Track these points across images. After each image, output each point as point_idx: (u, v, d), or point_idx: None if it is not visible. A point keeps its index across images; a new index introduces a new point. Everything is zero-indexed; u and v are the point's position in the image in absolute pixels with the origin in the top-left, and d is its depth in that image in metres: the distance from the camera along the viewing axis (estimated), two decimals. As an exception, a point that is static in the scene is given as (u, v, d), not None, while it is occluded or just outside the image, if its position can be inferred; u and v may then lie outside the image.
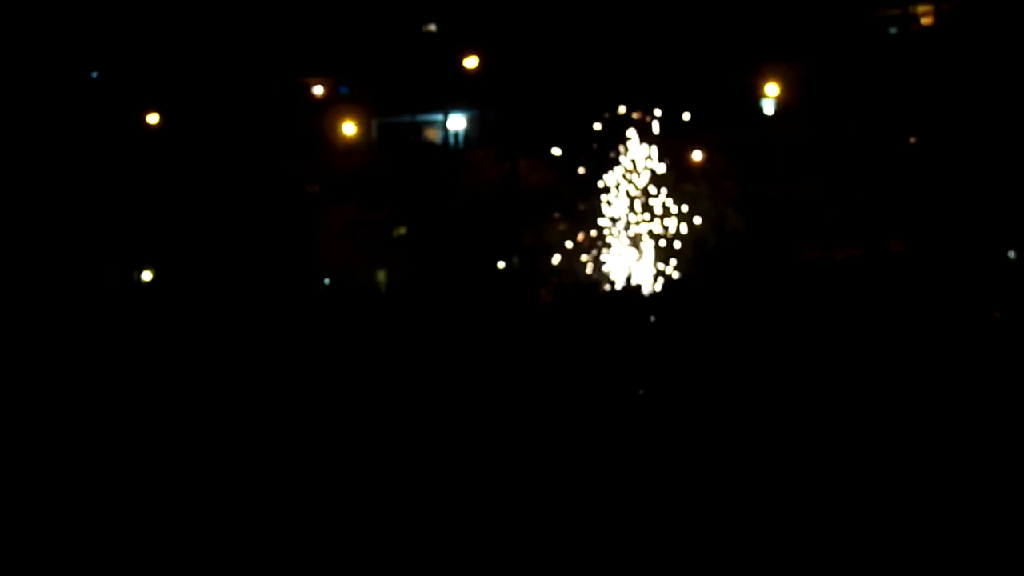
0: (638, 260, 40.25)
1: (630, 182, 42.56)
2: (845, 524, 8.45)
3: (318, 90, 63.71)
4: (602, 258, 40.91)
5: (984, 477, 9.78)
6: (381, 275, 56.58)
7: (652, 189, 43.93)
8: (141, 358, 17.86)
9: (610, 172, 42.57)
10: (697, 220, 44.91)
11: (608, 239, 41.57)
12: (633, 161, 42.53)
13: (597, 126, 43.23)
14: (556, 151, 44.63)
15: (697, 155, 52.13)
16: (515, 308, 18.88)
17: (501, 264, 47.95)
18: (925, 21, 52.68)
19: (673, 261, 40.57)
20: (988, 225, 35.55)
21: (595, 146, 41.55)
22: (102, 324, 20.85)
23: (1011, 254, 35.27)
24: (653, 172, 45.62)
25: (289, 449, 11.60)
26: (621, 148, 42.41)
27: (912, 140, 40.81)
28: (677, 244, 42.17)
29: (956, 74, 37.80)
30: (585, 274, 39.98)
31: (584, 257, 42.02)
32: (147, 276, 52.68)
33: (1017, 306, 20.76)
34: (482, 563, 8.03)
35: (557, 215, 46.49)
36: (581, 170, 43.03)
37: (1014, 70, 36.30)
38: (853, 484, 9.63)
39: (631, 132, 42.92)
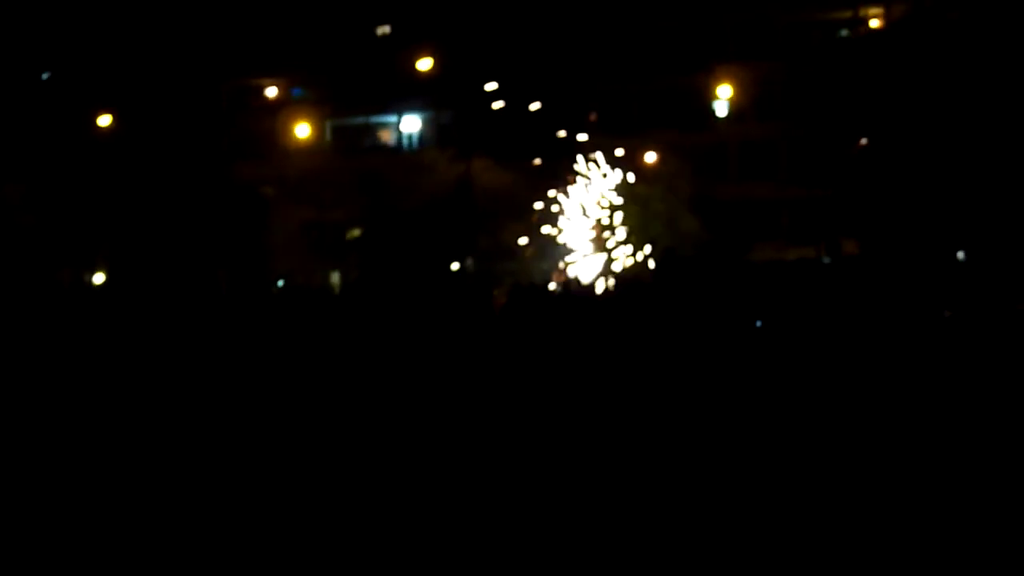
0: (592, 261, 40.33)
1: (585, 181, 42.62)
2: (799, 525, 8.51)
3: (271, 91, 63.50)
4: (556, 259, 40.97)
5: (936, 471, 9.87)
6: (335, 277, 56.43)
7: (607, 191, 44.07)
8: (93, 360, 17.75)
9: (565, 174, 42.64)
10: (651, 221, 45.09)
11: (562, 240, 41.62)
12: (588, 163, 42.61)
13: (556, 131, 43.31)
14: (511, 153, 44.61)
15: (651, 156, 52.32)
16: (469, 310, 18.90)
17: (455, 266, 47.95)
18: (875, 24, 53.11)
19: (627, 262, 40.67)
20: (938, 226, 35.85)
21: (550, 148, 41.58)
22: (56, 325, 20.72)
23: (960, 255, 35.58)
24: (607, 174, 45.78)
25: (240, 453, 11.56)
26: (576, 150, 42.50)
27: (863, 142, 41.07)
28: (631, 246, 42.27)
29: (906, 76, 38.08)
30: (539, 275, 40.01)
31: (538, 258, 42.07)
32: (99, 278, 52.32)
33: (966, 305, 20.97)
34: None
35: (511, 217, 46.52)
36: (535, 172, 43.06)
37: (963, 72, 36.62)
38: (807, 483, 9.70)
39: (585, 135, 43.00)
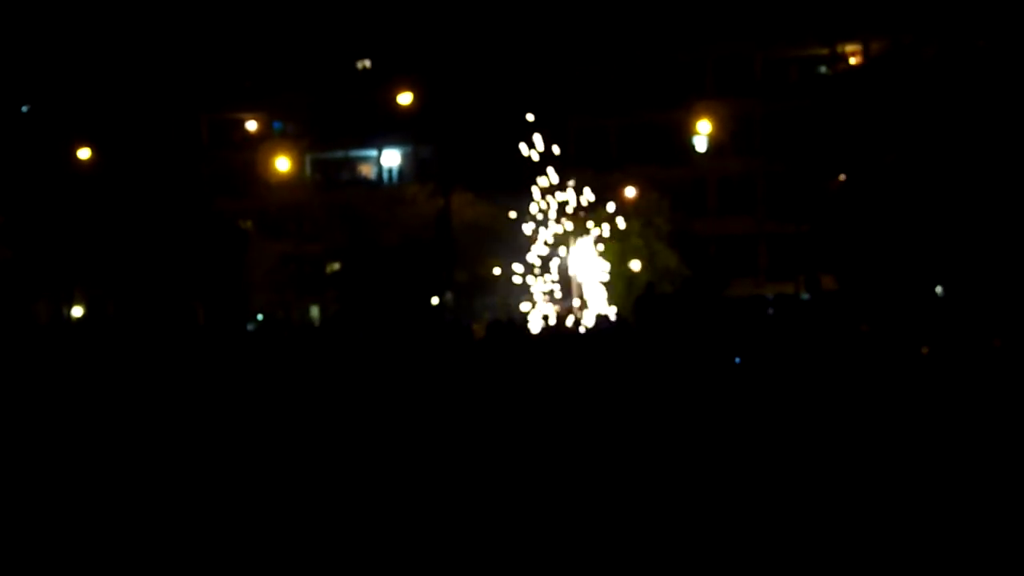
0: (570, 297, 40.29)
1: (563, 218, 42.63)
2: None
3: (251, 125, 63.58)
4: (535, 295, 40.91)
5: (916, 506, 9.88)
6: (315, 310, 56.35)
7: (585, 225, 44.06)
8: (72, 393, 17.67)
9: (543, 208, 42.64)
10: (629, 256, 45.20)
11: (540, 275, 41.59)
12: (566, 197, 42.65)
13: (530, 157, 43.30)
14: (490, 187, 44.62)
15: (630, 191, 52.47)
16: (448, 345, 18.87)
17: (435, 300, 47.91)
18: (853, 61, 53.45)
19: (606, 298, 40.66)
20: (917, 262, 35.94)
21: (528, 182, 41.58)
22: (33, 359, 20.62)
23: (939, 290, 35.68)
24: (586, 208, 45.71)
25: (219, 490, 11.50)
26: (555, 184, 42.52)
27: (841, 177, 41.23)
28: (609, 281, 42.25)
29: (884, 113, 38.26)
30: (518, 310, 39.99)
31: (517, 293, 42.03)
32: (77, 312, 52.15)
33: (945, 340, 21.02)
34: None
35: (490, 251, 46.53)
36: (513, 208, 43.04)
37: (941, 109, 36.82)
38: (786, 519, 9.69)
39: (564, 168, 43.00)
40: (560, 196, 42.15)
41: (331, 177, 61.64)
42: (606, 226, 42.30)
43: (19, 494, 11.16)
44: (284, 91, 61.02)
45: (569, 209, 41.70)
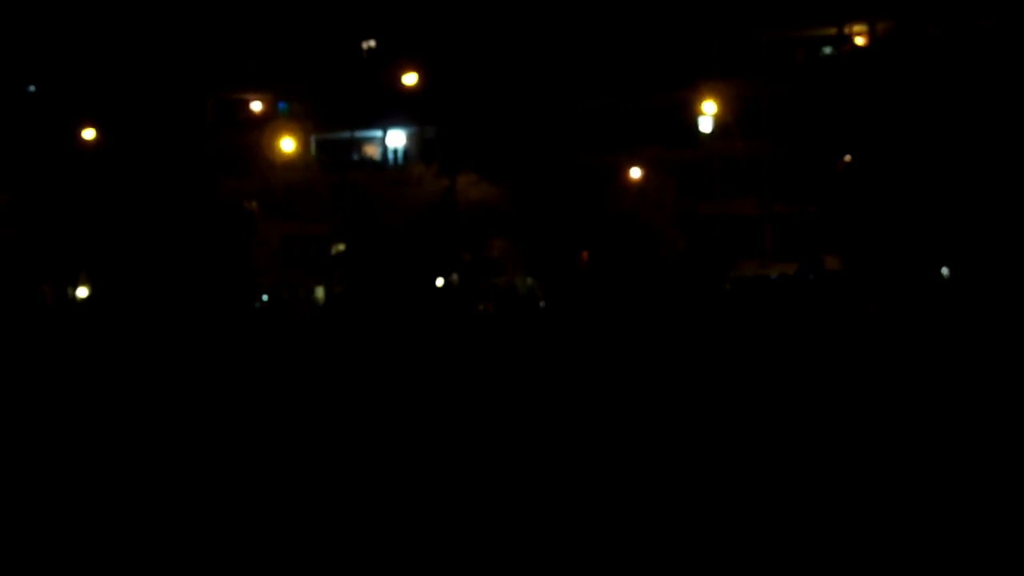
0: (577, 275, 40.34)
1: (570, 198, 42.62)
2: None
3: (256, 106, 63.57)
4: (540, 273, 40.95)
5: (918, 487, 9.92)
6: (319, 291, 56.34)
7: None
8: (79, 375, 17.70)
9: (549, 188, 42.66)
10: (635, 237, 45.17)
11: (547, 255, 41.64)
12: (572, 177, 42.66)
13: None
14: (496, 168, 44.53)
15: (635, 172, 52.42)
16: (455, 323, 18.93)
17: (440, 281, 47.88)
18: (859, 41, 53.29)
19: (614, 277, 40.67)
20: (922, 242, 35.92)
21: (534, 163, 41.56)
22: (39, 340, 20.67)
23: (944, 271, 35.67)
24: (591, 189, 45.75)
25: (226, 470, 11.55)
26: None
27: (847, 158, 41.15)
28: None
29: (890, 93, 38.19)
30: (524, 289, 40.04)
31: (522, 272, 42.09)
32: (82, 292, 52.19)
33: (950, 321, 21.03)
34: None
35: (496, 231, 46.49)
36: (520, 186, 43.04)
37: (946, 90, 36.76)
38: (785, 501, 9.74)
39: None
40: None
41: (336, 158, 61.55)
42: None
43: (22, 475, 11.22)
44: (289, 72, 60.95)
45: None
